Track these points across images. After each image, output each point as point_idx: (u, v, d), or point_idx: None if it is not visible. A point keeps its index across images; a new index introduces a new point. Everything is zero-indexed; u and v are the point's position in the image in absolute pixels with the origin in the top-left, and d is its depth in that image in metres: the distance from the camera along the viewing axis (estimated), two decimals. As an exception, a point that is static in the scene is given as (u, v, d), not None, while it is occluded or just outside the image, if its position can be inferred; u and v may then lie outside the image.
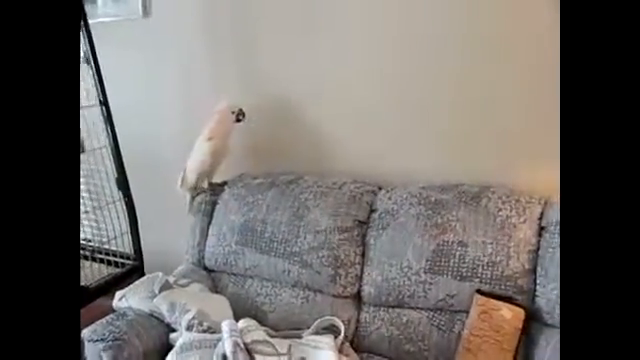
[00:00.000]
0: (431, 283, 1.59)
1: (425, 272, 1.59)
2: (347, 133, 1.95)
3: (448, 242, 1.58)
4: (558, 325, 1.48)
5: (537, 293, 1.51)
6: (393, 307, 1.66)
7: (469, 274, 1.55)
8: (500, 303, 1.50)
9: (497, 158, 1.75)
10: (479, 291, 1.54)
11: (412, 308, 1.64)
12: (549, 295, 1.48)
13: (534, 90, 1.67)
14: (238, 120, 1.97)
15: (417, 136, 1.85)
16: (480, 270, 1.54)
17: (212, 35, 2.13)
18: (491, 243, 1.55)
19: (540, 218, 1.57)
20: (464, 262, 1.56)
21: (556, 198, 1.60)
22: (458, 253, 1.57)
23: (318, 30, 1.92)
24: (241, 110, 1.96)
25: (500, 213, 1.59)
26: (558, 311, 1.46)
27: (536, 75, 1.65)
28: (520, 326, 1.49)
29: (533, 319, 1.52)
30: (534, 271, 1.53)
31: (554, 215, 1.55)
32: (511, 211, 1.58)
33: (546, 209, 1.59)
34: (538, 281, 1.52)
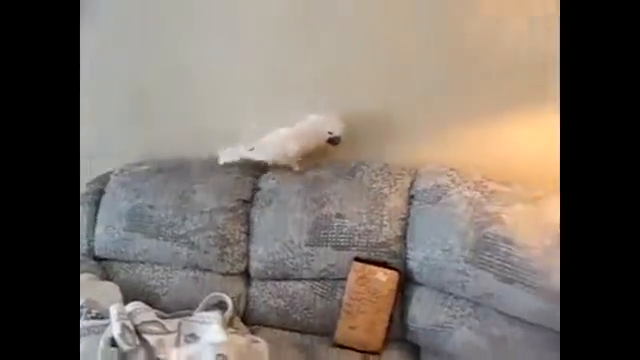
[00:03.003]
0: (313, 255, 1.68)
1: (306, 245, 1.68)
2: (230, 115, 1.99)
3: (327, 215, 1.68)
4: (427, 284, 1.64)
5: (408, 256, 1.65)
6: (279, 280, 1.75)
7: (347, 243, 1.66)
8: (376, 268, 1.63)
9: (371, 135, 1.86)
10: (357, 258, 1.65)
11: (297, 280, 1.73)
12: (418, 257, 1.62)
13: (406, 68, 1.79)
14: (330, 141, 1.81)
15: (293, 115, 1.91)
16: (357, 239, 1.66)
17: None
18: (366, 213, 1.67)
19: (410, 188, 1.71)
20: (342, 233, 1.67)
21: (424, 169, 1.74)
22: (336, 225, 1.67)
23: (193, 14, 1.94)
24: (339, 137, 1.79)
25: (374, 185, 1.71)
26: (426, 271, 1.61)
27: (409, 54, 1.78)
28: (394, 287, 1.62)
29: (407, 280, 1.66)
30: (405, 237, 1.66)
31: (421, 184, 1.69)
32: (383, 183, 1.71)
33: (415, 179, 1.72)
34: (409, 245, 1.65)
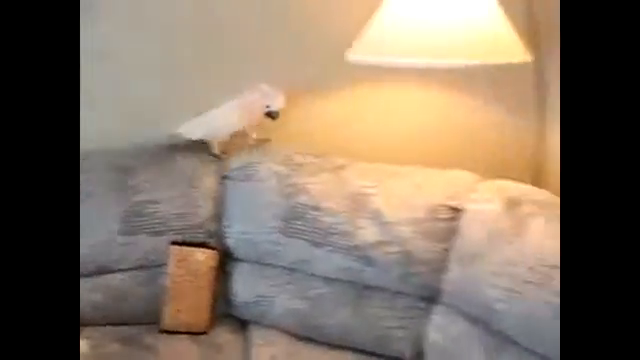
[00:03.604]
0: (129, 244, 1.66)
1: (121, 234, 1.65)
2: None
3: (140, 202, 1.67)
4: (245, 258, 1.71)
5: (226, 234, 1.70)
6: (97, 274, 1.69)
7: (163, 229, 1.66)
8: (194, 249, 1.65)
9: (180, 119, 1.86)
10: (174, 242, 1.66)
11: (116, 271, 1.69)
12: (235, 234, 1.69)
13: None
14: (268, 115, 1.75)
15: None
16: (172, 223, 1.66)
17: None
18: (180, 196, 1.68)
19: (222, 168, 1.75)
20: (156, 218, 1.66)
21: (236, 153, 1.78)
22: (150, 211, 1.66)
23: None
24: (277, 111, 1.75)
25: (186, 168, 1.72)
26: (244, 246, 1.69)
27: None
28: (214, 266, 1.66)
29: (227, 257, 1.71)
30: (221, 216, 1.71)
31: (233, 163, 1.75)
32: (196, 165, 1.73)
33: (226, 160, 1.76)
34: (225, 224, 1.70)
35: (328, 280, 1.61)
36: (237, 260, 1.71)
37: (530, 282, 1.32)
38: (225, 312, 1.73)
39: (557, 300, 1.26)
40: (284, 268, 1.65)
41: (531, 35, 1.78)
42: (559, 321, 1.24)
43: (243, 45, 1.83)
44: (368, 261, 1.54)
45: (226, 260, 1.71)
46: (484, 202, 1.53)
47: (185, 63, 1.83)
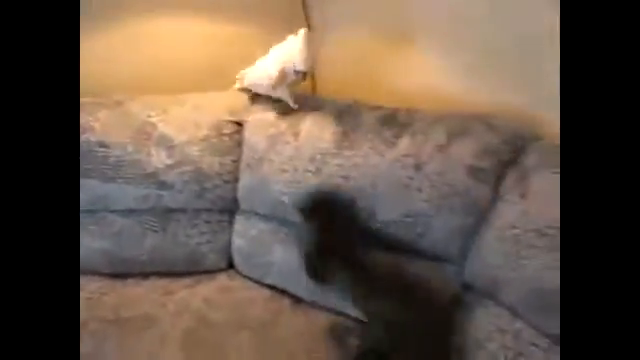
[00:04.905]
0: None
1: None
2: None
3: None
4: None
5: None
6: None
7: None
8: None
9: None
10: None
11: None
12: None
13: None
14: (297, 74, 1.56)
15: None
16: None
17: None
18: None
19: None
20: None
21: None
22: None
23: None
24: (304, 72, 1.55)
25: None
26: None
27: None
28: None
29: None
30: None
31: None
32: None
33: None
34: None
35: (129, 212, 1.64)
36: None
37: (309, 171, 1.49)
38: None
39: (333, 180, 1.44)
40: (82, 211, 1.63)
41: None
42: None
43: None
44: (164, 186, 1.60)
45: None
46: (262, 112, 1.65)
47: None
